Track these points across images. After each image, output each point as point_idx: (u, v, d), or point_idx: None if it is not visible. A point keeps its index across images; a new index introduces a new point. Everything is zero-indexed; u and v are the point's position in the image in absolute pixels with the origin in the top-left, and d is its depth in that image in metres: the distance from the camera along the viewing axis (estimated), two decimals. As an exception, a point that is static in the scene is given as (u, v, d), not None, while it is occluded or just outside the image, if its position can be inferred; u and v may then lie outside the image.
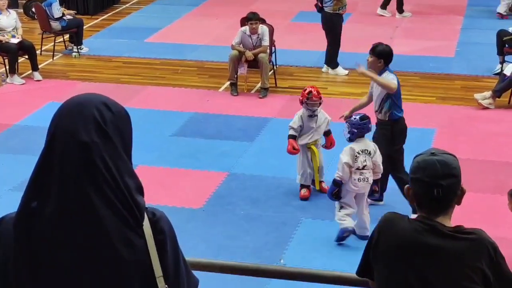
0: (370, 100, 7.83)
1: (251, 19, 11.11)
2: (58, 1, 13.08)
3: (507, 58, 11.73)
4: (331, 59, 12.01)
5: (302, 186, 8.15)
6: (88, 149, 2.07)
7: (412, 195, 2.90)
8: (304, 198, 8.10)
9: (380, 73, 7.48)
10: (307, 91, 8.06)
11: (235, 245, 7.27)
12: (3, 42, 11.79)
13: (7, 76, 11.89)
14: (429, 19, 14.97)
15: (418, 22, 14.80)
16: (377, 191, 7.36)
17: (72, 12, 13.74)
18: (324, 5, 11.55)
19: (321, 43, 12.18)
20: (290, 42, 13.27)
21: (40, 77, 11.98)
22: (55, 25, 12.96)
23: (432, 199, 2.83)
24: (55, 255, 2.08)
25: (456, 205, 2.90)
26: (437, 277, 2.82)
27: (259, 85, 11.44)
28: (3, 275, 2.14)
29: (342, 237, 7.22)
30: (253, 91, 11.52)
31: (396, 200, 7.45)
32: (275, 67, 11.96)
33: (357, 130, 7.18)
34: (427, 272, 2.83)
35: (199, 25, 14.84)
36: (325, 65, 12.15)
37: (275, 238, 7.41)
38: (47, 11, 12.83)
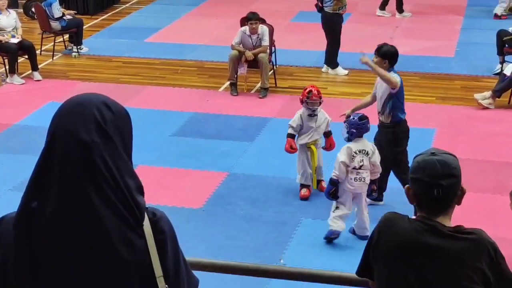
0: (373, 100, 7.82)
1: (251, 19, 11.11)
2: (58, 1, 13.07)
3: (507, 58, 11.73)
4: (331, 59, 12.02)
5: (302, 185, 8.16)
6: (88, 148, 2.07)
7: (412, 195, 2.90)
8: (304, 198, 8.11)
9: None
10: (307, 90, 8.08)
11: (235, 245, 7.27)
12: (3, 42, 11.78)
13: (7, 76, 11.89)
14: (429, 19, 14.97)
15: (418, 22, 14.80)
16: (375, 190, 7.36)
17: (72, 12, 13.74)
18: (324, 5, 11.55)
19: (321, 43, 12.18)
20: (290, 42, 13.27)
21: (40, 77, 11.98)
22: (55, 25, 12.96)
23: (432, 199, 2.83)
24: (55, 255, 2.08)
25: (456, 205, 2.90)
26: (437, 277, 2.82)
27: (259, 85, 11.44)
28: (3, 275, 2.14)
29: (329, 238, 7.24)
30: (253, 91, 11.52)
31: (396, 200, 7.45)
32: (275, 67, 11.96)
33: (356, 130, 7.18)
34: (427, 272, 2.83)
35: (199, 25, 14.85)
36: (325, 65, 12.15)
37: (275, 238, 7.40)
38: (47, 11, 12.83)
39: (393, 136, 7.54)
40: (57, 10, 12.85)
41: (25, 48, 11.94)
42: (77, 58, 13.11)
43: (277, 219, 7.75)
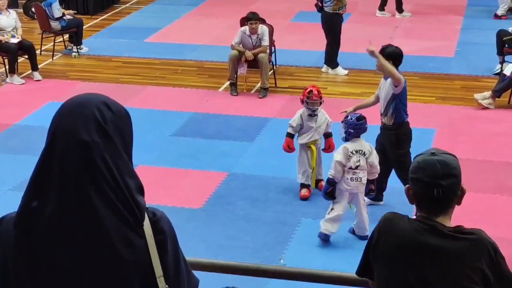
0: (376, 101, 7.80)
1: (251, 19, 11.11)
2: (58, 1, 13.07)
3: (507, 58, 11.72)
4: (331, 59, 12.02)
5: (303, 185, 8.16)
6: (88, 148, 2.07)
7: (412, 195, 2.90)
8: (304, 198, 8.11)
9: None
10: (307, 90, 8.10)
11: (235, 245, 7.27)
12: (3, 42, 11.78)
13: (7, 76, 11.89)
14: (429, 19, 14.97)
15: (418, 22, 14.80)
16: (373, 190, 7.36)
17: (71, 12, 13.73)
18: (324, 4, 11.55)
19: (321, 43, 12.18)
20: (290, 42, 13.27)
21: (39, 77, 11.98)
22: (55, 25, 12.96)
23: (432, 199, 2.83)
24: (55, 255, 2.08)
25: (456, 205, 2.90)
26: (437, 277, 2.82)
27: (259, 85, 11.44)
28: (3, 275, 2.14)
29: (321, 239, 7.24)
30: (253, 91, 11.52)
31: (396, 200, 7.45)
32: (275, 67, 11.96)
33: (353, 130, 7.18)
34: (427, 272, 2.83)
35: (199, 25, 14.85)
36: (325, 65, 12.15)
37: (275, 238, 7.40)
38: (47, 11, 12.83)
39: (396, 138, 7.52)
40: (57, 10, 12.85)
41: (25, 48, 11.94)
42: (77, 58, 13.11)
43: (277, 219, 7.75)
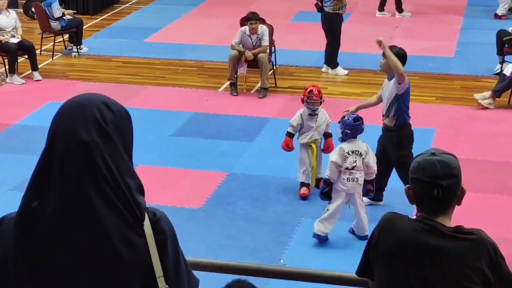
0: (378, 101, 7.78)
1: (251, 19, 11.11)
2: (57, 1, 13.07)
3: (506, 58, 11.72)
4: (331, 59, 12.02)
5: (303, 184, 8.17)
6: (88, 148, 2.07)
7: (412, 195, 2.90)
8: (304, 196, 8.12)
9: (392, 76, 7.41)
10: (308, 90, 8.11)
11: (235, 245, 7.27)
12: (3, 42, 11.78)
13: (7, 76, 11.89)
14: (429, 19, 14.97)
15: (418, 22, 14.80)
16: (372, 190, 7.35)
17: (71, 11, 13.73)
18: (324, 4, 11.55)
19: (320, 43, 12.18)
20: (290, 42, 13.27)
21: (39, 77, 11.98)
22: (55, 25, 12.96)
23: (432, 199, 2.83)
24: (55, 255, 2.08)
25: (456, 205, 2.89)
26: (437, 277, 2.82)
27: (258, 85, 11.44)
28: (3, 275, 2.14)
29: (317, 239, 7.25)
30: (252, 91, 11.52)
31: (396, 200, 7.45)
32: (274, 67, 11.96)
33: (350, 131, 7.18)
34: (427, 272, 2.83)
35: (199, 25, 14.85)
36: (325, 65, 12.15)
37: (275, 238, 7.40)
38: (47, 11, 12.83)
39: (397, 140, 7.51)
40: (57, 10, 12.85)
41: (25, 48, 11.94)
42: (77, 58, 13.11)
43: (277, 219, 7.75)
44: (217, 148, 9.45)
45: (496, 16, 14.93)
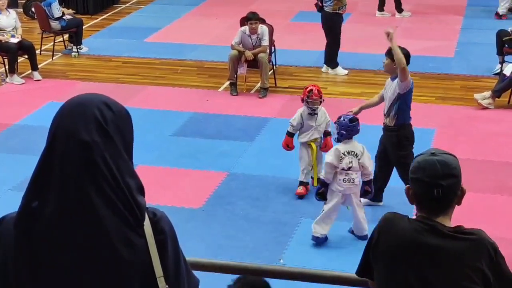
0: (380, 100, 7.77)
1: (251, 19, 11.11)
2: (57, 1, 13.07)
3: (506, 58, 11.72)
4: (331, 59, 12.02)
5: (301, 183, 8.19)
6: (89, 148, 2.07)
7: (412, 195, 2.90)
8: (300, 196, 8.13)
9: (396, 76, 7.38)
10: (308, 90, 8.13)
11: (235, 245, 7.27)
12: (3, 42, 11.78)
13: (7, 76, 11.89)
14: (429, 19, 14.97)
15: (418, 22, 14.80)
16: (369, 191, 7.34)
17: (71, 11, 13.73)
18: (324, 4, 11.55)
19: (320, 43, 12.18)
20: (290, 42, 13.27)
21: (39, 77, 11.98)
22: (55, 24, 12.96)
23: (432, 199, 2.83)
24: (55, 255, 2.08)
25: (456, 205, 2.89)
26: (437, 277, 2.82)
27: (258, 85, 11.44)
28: (3, 275, 2.14)
29: (315, 241, 7.25)
30: (252, 91, 11.52)
31: (396, 201, 7.44)
32: (274, 67, 11.96)
33: (345, 132, 7.17)
34: (427, 272, 2.83)
35: (199, 25, 14.85)
36: (325, 65, 12.15)
37: (275, 238, 7.40)
38: (47, 11, 12.83)
39: (397, 140, 7.50)
40: (56, 10, 12.85)
41: (25, 48, 11.94)
42: (77, 58, 13.11)
43: (277, 219, 7.75)
44: (217, 148, 9.45)
45: (497, 15, 14.93)
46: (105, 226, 2.07)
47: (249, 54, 11.05)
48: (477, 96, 10.65)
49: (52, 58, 13.04)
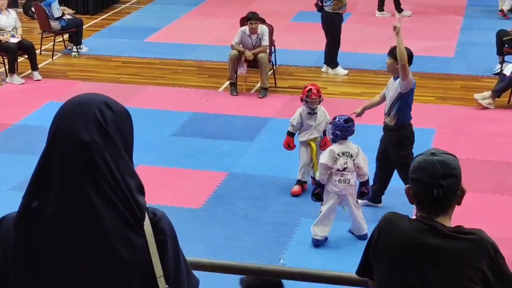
0: (382, 100, 7.76)
1: (251, 19, 11.11)
2: (57, 0, 13.07)
3: (506, 58, 11.73)
4: (331, 59, 12.02)
5: (298, 182, 8.20)
6: (89, 148, 2.07)
7: (412, 195, 2.90)
8: (295, 195, 8.15)
9: (398, 76, 7.37)
10: (307, 89, 8.14)
11: (235, 245, 7.27)
12: (3, 41, 11.78)
13: (7, 76, 11.89)
14: (429, 19, 14.97)
15: (417, 22, 14.79)
16: (366, 193, 7.33)
17: (71, 11, 13.73)
18: (324, 4, 11.55)
19: (320, 43, 12.18)
20: (290, 42, 13.27)
21: (39, 77, 11.98)
22: (55, 24, 12.96)
23: (432, 199, 2.83)
24: (55, 255, 2.08)
25: (456, 205, 2.89)
26: (437, 277, 2.82)
27: (258, 85, 11.44)
28: (3, 275, 2.14)
29: (315, 244, 7.24)
30: (252, 91, 11.52)
31: (396, 201, 7.43)
32: (274, 67, 11.96)
33: (340, 132, 7.17)
34: (427, 272, 2.83)
35: (199, 25, 14.84)
36: (325, 65, 12.15)
37: (275, 238, 7.40)
38: (47, 11, 12.83)
39: (397, 139, 7.49)
40: (56, 10, 12.85)
41: (25, 47, 11.94)
42: (77, 58, 13.11)
43: (277, 219, 7.75)
44: (217, 148, 9.45)
45: (502, 12, 14.88)
46: (105, 226, 2.07)
47: (249, 54, 11.05)
48: (477, 96, 10.65)
49: (52, 58, 13.04)
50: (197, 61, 12.81)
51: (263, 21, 11.44)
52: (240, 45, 11.18)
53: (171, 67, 12.55)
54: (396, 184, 7.57)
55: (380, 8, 15.20)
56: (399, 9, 15.12)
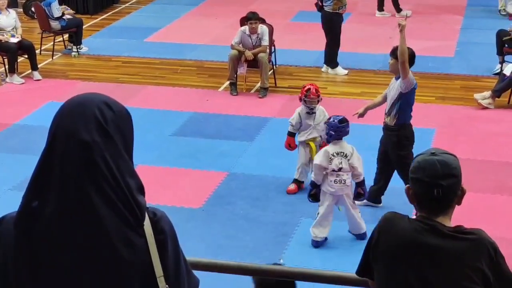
0: (384, 100, 7.74)
1: (251, 18, 11.11)
2: (57, 0, 13.06)
3: (506, 58, 11.73)
4: (331, 59, 12.01)
5: (295, 180, 8.21)
6: (89, 148, 2.06)
7: (412, 195, 2.90)
8: (290, 193, 8.15)
9: (400, 75, 7.36)
10: (305, 89, 8.16)
11: (235, 245, 7.27)
12: (3, 41, 11.78)
13: (7, 76, 11.89)
14: (429, 19, 14.97)
15: (417, 22, 14.78)
16: (362, 194, 7.32)
17: (71, 11, 13.73)
18: (324, 4, 11.55)
19: (320, 43, 12.18)
20: (290, 42, 13.27)
21: (39, 77, 11.98)
22: (55, 24, 12.96)
23: (432, 199, 2.83)
24: (55, 255, 2.08)
25: (456, 205, 2.89)
26: (437, 277, 2.82)
27: (258, 84, 11.44)
28: (3, 275, 2.14)
29: (315, 246, 7.24)
30: (252, 91, 11.52)
31: (396, 201, 7.43)
32: (274, 66, 11.96)
33: (334, 132, 7.16)
34: (427, 272, 2.83)
35: (199, 24, 14.84)
36: (325, 65, 12.15)
37: (275, 238, 7.40)
38: (47, 11, 12.83)
39: (397, 139, 7.49)
40: (56, 9, 12.85)
41: (25, 47, 11.94)
42: (77, 58, 13.11)
43: (277, 219, 7.75)
44: (217, 148, 9.45)
45: (511, 16, 14.85)
46: (105, 226, 2.07)
47: (249, 54, 11.05)
48: (477, 96, 10.65)
49: (52, 58, 13.04)
50: (197, 61, 12.81)
51: (263, 21, 11.44)
52: (240, 45, 11.18)
53: (171, 67, 12.55)
54: (396, 184, 7.57)
55: (380, 8, 15.20)
56: (398, 9, 15.11)
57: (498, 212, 7.84)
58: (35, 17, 13.90)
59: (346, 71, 12.03)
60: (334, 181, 7.08)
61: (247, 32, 11.17)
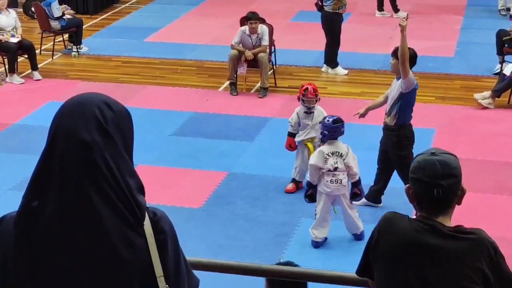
0: (385, 100, 7.72)
1: (251, 18, 11.11)
2: (57, 0, 13.06)
3: (506, 58, 11.73)
4: (331, 59, 12.01)
5: (293, 180, 8.21)
6: (89, 148, 2.06)
7: (412, 194, 2.90)
8: (288, 192, 8.16)
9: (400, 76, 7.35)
10: (303, 88, 8.16)
11: (235, 245, 7.27)
12: (3, 41, 11.78)
13: (7, 76, 11.89)
14: (429, 19, 14.96)
15: (417, 22, 14.76)
16: (359, 194, 7.31)
17: (71, 11, 13.73)
18: (324, 4, 11.55)
19: (320, 43, 12.18)
20: (290, 42, 13.27)
21: (39, 77, 11.98)
22: (55, 24, 12.96)
23: (432, 199, 2.83)
24: (55, 255, 2.08)
25: (456, 205, 2.89)
26: (437, 277, 2.82)
27: (258, 84, 11.44)
28: (3, 275, 2.14)
29: (315, 246, 7.23)
30: (252, 91, 11.52)
31: (396, 201, 7.43)
32: (274, 66, 11.95)
33: (328, 132, 7.16)
34: (427, 272, 2.82)
35: (199, 24, 14.84)
36: (325, 65, 12.15)
37: (275, 238, 7.40)
38: (47, 11, 12.83)
39: (397, 139, 7.49)
40: (56, 9, 12.84)
41: (25, 47, 11.94)
42: (77, 58, 13.11)
43: (277, 219, 7.75)
44: (217, 148, 9.45)
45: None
46: (105, 226, 2.06)
47: (249, 54, 11.05)
48: (477, 96, 10.65)
49: (52, 58, 13.04)
50: (197, 61, 12.81)
51: (263, 21, 11.44)
52: (240, 45, 11.18)
53: (171, 67, 12.55)
54: (396, 184, 7.58)
55: (380, 8, 15.19)
56: (395, 9, 15.10)
57: (498, 212, 7.84)
58: (35, 17, 13.90)
59: (346, 71, 12.03)
60: (330, 181, 7.08)
61: (247, 32, 11.17)
